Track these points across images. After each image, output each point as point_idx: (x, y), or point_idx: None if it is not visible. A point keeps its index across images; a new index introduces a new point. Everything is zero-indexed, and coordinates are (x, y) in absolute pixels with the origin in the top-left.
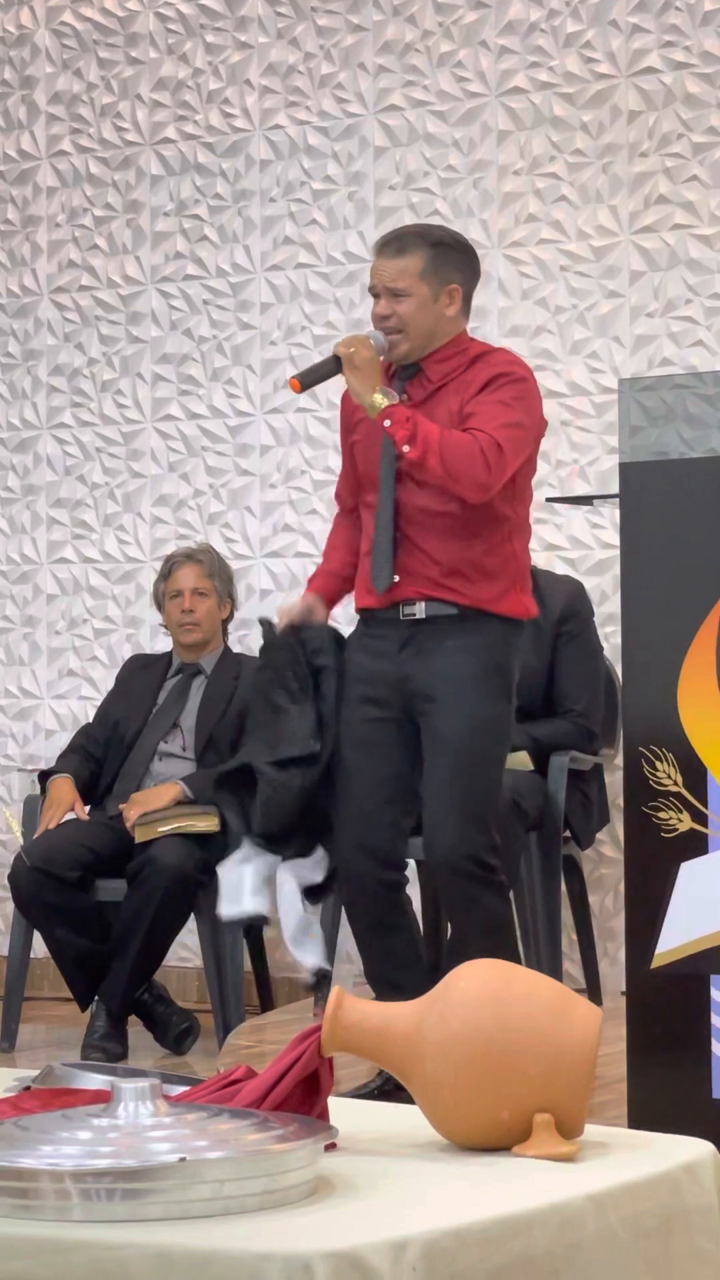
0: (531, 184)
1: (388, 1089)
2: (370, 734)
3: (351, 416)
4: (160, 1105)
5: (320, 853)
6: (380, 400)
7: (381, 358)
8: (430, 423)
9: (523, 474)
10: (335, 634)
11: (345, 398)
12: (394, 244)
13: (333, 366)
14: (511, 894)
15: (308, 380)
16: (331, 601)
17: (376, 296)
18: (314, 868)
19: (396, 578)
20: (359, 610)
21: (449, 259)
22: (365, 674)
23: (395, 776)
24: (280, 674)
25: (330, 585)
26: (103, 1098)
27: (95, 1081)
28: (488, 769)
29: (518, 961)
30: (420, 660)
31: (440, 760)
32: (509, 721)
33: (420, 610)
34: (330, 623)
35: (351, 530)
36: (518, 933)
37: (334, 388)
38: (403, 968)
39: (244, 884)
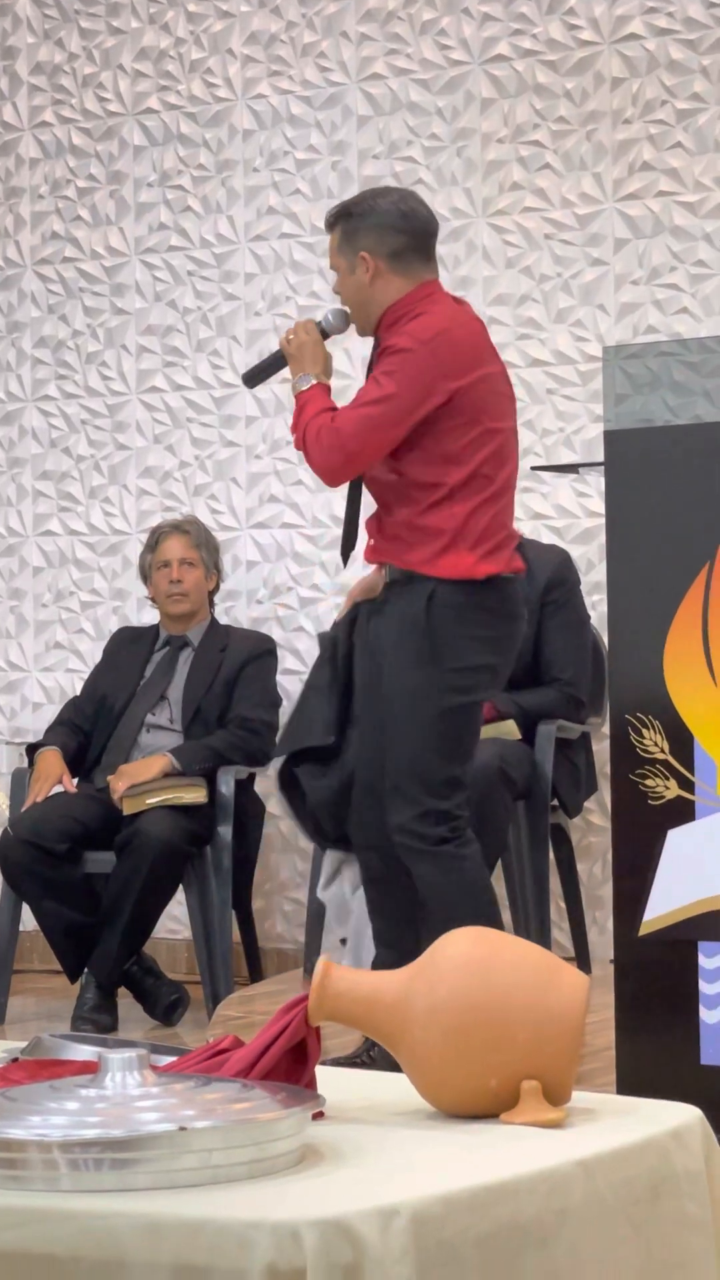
0: (515, 152)
1: (374, 1057)
2: (362, 701)
3: None
4: (148, 1075)
5: None
6: (295, 385)
7: (338, 333)
8: (317, 408)
9: (452, 440)
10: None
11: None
12: (326, 223)
13: (277, 356)
14: (500, 863)
15: (251, 377)
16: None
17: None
18: None
19: (369, 542)
20: None
21: (357, 227)
22: (363, 636)
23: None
24: (324, 660)
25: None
26: (90, 1069)
27: (83, 1053)
28: (411, 736)
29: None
30: (375, 626)
31: (387, 725)
32: (436, 684)
33: (386, 574)
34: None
35: None
36: (484, 903)
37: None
38: (395, 927)
39: (349, 903)
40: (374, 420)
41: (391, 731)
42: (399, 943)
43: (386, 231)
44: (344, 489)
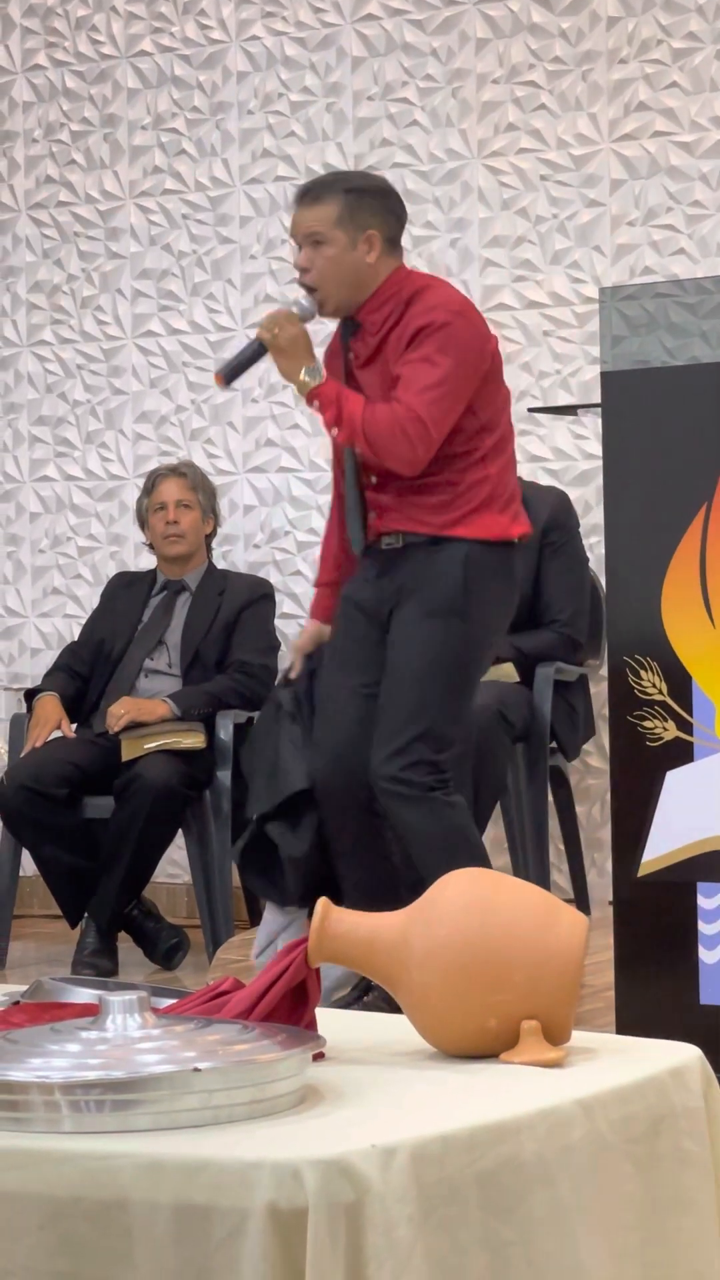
0: (510, 92)
1: (368, 999)
2: (349, 651)
3: (330, 361)
4: (148, 1017)
5: None
6: (306, 383)
7: (312, 320)
8: (355, 399)
9: (487, 408)
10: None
11: (327, 357)
12: (310, 193)
13: (257, 351)
14: (499, 805)
15: (231, 373)
16: (329, 618)
17: (298, 248)
18: None
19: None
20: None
21: (364, 204)
22: (353, 601)
23: (360, 693)
24: (285, 716)
25: (330, 601)
26: (91, 1011)
27: (84, 996)
28: (419, 685)
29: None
30: (391, 582)
31: (385, 682)
32: (455, 639)
33: (398, 540)
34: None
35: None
36: (475, 846)
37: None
38: (381, 891)
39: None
40: (444, 402)
41: (396, 679)
42: (369, 883)
43: (389, 215)
44: (350, 471)
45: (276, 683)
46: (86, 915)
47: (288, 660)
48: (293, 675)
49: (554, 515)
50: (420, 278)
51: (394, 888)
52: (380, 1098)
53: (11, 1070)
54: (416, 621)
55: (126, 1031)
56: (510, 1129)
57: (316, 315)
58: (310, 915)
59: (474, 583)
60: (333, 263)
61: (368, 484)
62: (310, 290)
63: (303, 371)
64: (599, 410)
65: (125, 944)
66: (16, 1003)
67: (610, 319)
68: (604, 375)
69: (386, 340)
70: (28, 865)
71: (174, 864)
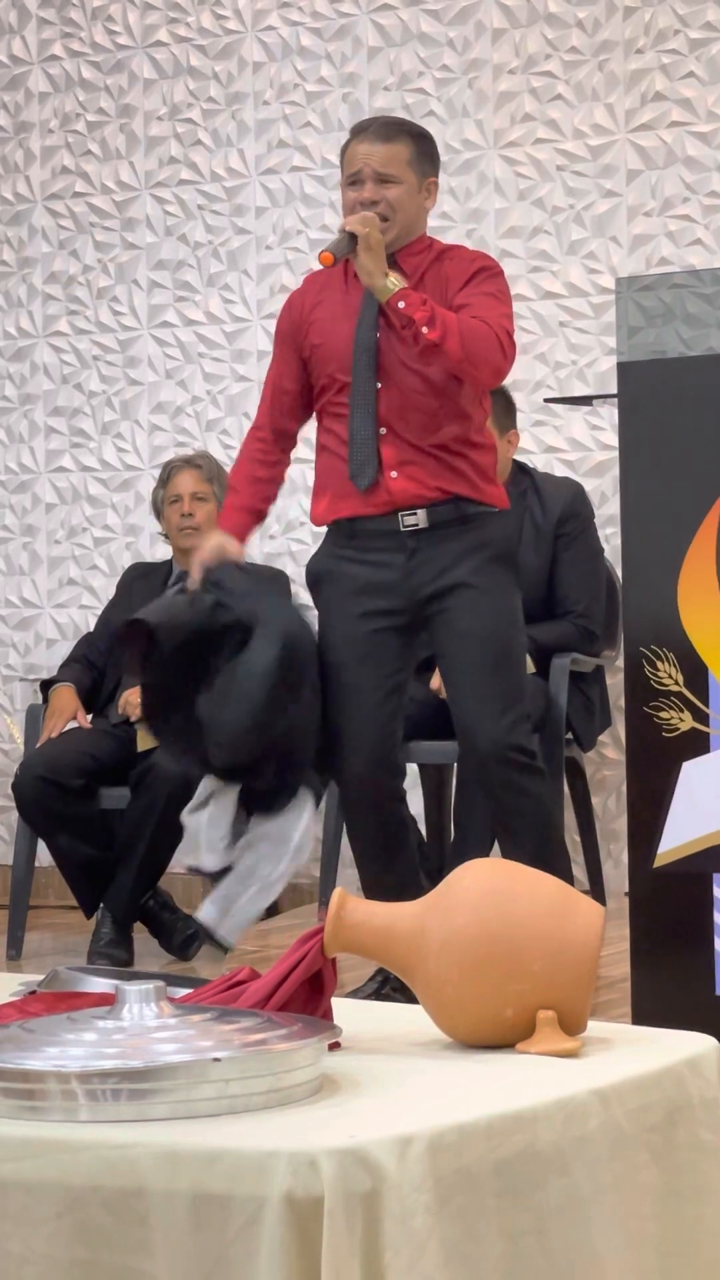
0: (527, 83)
1: (385, 991)
2: (373, 647)
3: (306, 316)
4: (164, 1007)
5: (300, 804)
6: (394, 282)
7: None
8: (446, 310)
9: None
10: (278, 573)
11: (291, 302)
12: (378, 130)
13: (350, 244)
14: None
15: (338, 252)
16: (243, 539)
17: (357, 183)
18: (292, 822)
19: (390, 474)
20: (334, 521)
21: (430, 153)
22: (365, 585)
23: (396, 686)
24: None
25: (247, 522)
26: (107, 1000)
27: (100, 985)
28: (518, 657)
29: (564, 850)
30: (431, 565)
31: (469, 656)
32: (522, 614)
33: (421, 519)
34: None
35: (277, 461)
36: (560, 824)
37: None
38: (402, 886)
39: (200, 835)
40: (512, 331)
41: (493, 651)
42: (391, 879)
43: (438, 170)
44: (366, 406)
45: (172, 591)
46: (102, 906)
47: None
48: (189, 588)
49: (569, 506)
50: (442, 242)
51: (415, 881)
52: (396, 1087)
53: (28, 1059)
54: (493, 602)
55: (143, 1021)
56: (527, 1119)
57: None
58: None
59: (512, 550)
60: (404, 200)
61: (380, 437)
62: (381, 218)
63: (390, 274)
64: (615, 401)
65: (141, 934)
66: (33, 992)
67: (626, 309)
68: (620, 366)
69: (421, 282)
70: (44, 856)
71: None
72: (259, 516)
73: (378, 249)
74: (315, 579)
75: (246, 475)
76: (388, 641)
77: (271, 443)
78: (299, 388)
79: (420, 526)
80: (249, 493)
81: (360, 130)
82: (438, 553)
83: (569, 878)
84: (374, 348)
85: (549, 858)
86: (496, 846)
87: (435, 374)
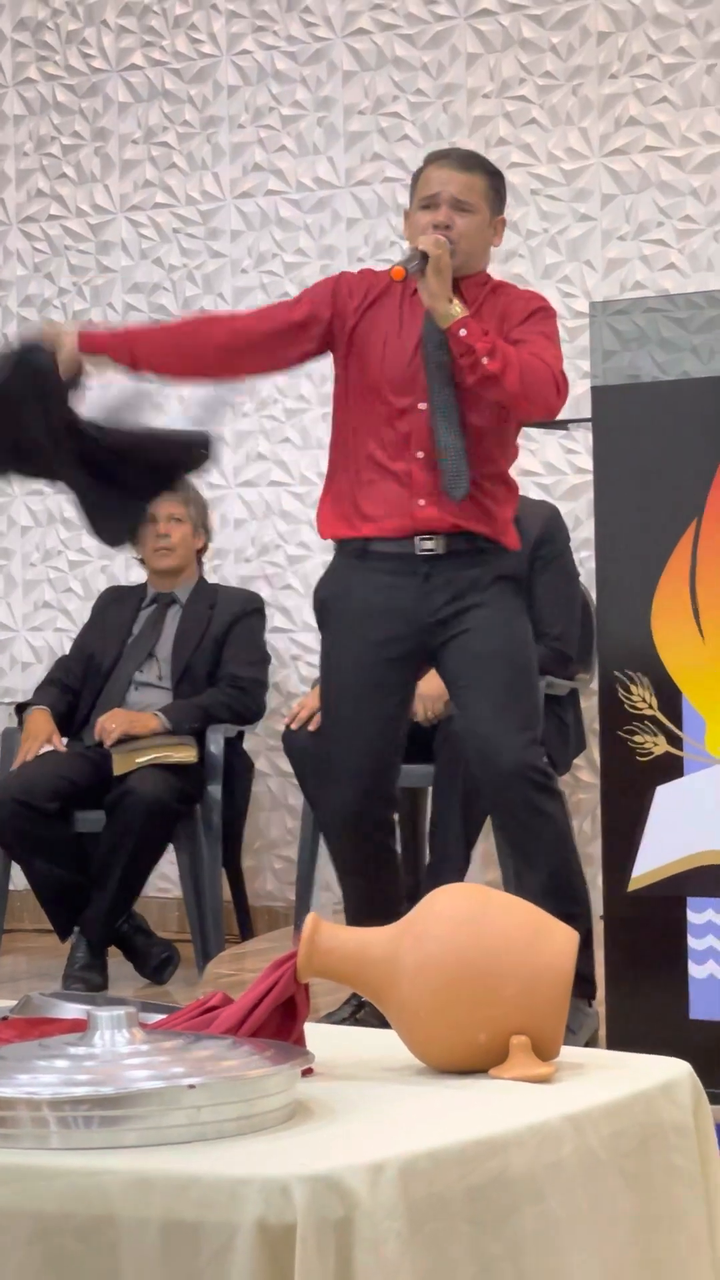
0: (501, 107)
1: (360, 1015)
2: (380, 673)
3: (355, 305)
4: (136, 1033)
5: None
6: (457, 309)
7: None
8: (507, 344)
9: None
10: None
11: (345, 280)
12: (458, 159)
13: (422, 262)
14: (491, 820)
15: (410, 268)
16: (98, 351)
17: (432, 206)
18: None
19: (418, 501)
20: (348, 540)
21: (501, 192)
22: (377, 610)
23: (397, 716)
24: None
25: (106, 345)
26: (80, 1027)
27: (73, 1011)
28: (533, 681)
29: (581, 872)
30: (446, 589)
31: (489, 677)
32: (533, 637)
33: (439, 546)
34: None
35: (213, 336)
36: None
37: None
38: (384, 913)
39: None
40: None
41: (509, 670)
42: (376, 909)
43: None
44: (451, 418)
45: None
46: (77, 930)
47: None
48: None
49: (545, 529)
50: (500, 280)
51: (397, 909)
52: (369, 1113)
53: (0, 1087)
54: (503, 624)
55: (115, 1047)
56: (499, 1144)
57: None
58: None
59: (522, 582)
60: (474, 230)
61: (414, 458)
62: (451, 243)
63: (453, 301)
64: (590, 425)
65: (115, 958)
66: (5, 1018)
67: (601, 333)
68: (594, 390)
69: (479, 314)
70: (18, 879)
71: (164, 878)
72: (133, 345)
73: (446, 272)
74: (324, 602)
75: (186, 320)
76: (396, 669)
77: (232, 330)
78: (297, 326)
79: (437, 552)
80: (145, 339)
81: (440, 156)
82: (453, 577)
83: (587, 900)
84: (447, 366)
85: (567, 878)
86: (471, 869)
87: (478, 412)
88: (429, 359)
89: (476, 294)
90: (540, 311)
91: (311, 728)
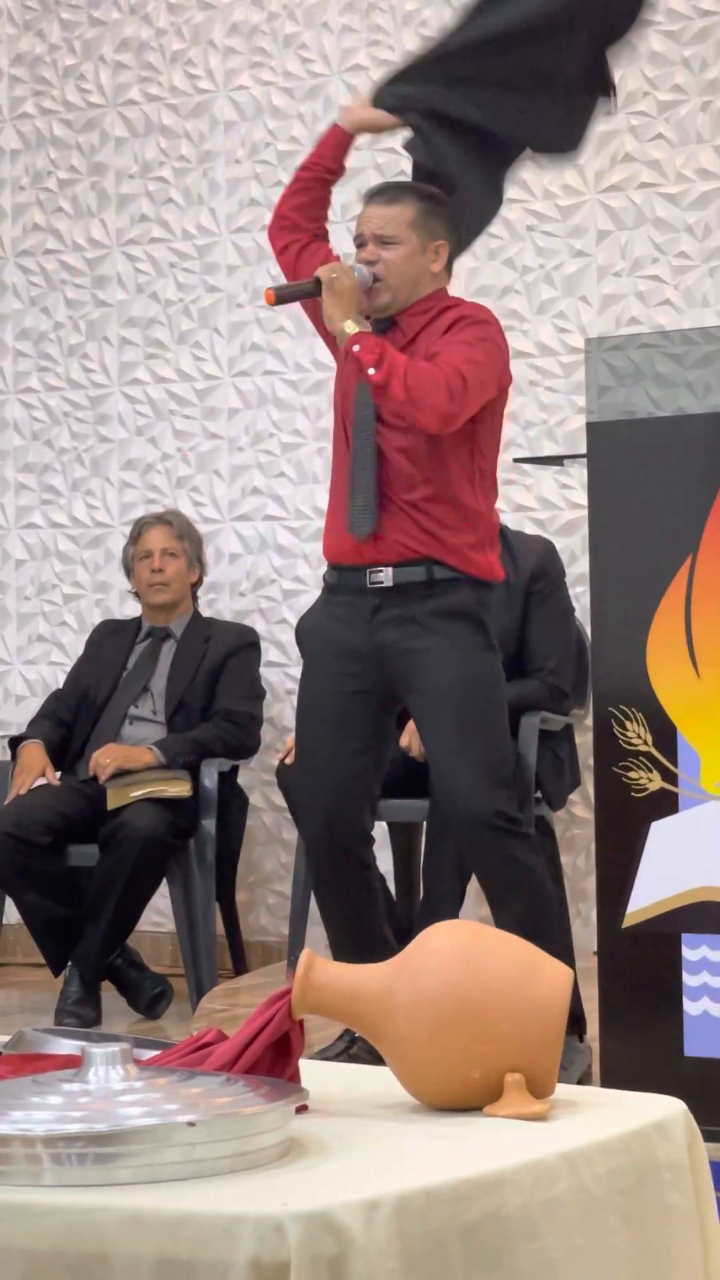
0: None
1: (354, 1051)
2: (342, 706)
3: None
4: (131, 1069)
5: None
6: (351, 326)
7: (361, 297)
8: (400, 353)
9: (486, 427)
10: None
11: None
12: (386, 193)
13: (311, 287)
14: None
15: (284, 294)
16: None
17: (361, 245)
18: None
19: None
20: (328, 562)
21: (439, 214)
22: (335, 647)
23: (365, 749)
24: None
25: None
26: (74, 1063)
27: (66, 1046)
28: (494, 720)
29: (562, 913)
30: (395, 627)
31: (443, 721)
32: (500, 672)
33: (388, 578)
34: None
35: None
36: (549, 886)
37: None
38: (368, 950)
39: None
40: (480, 378)
41: (471, 714)
42: (358, 942)
43: (453, 236)
44: (367, 456)
45: None
46: (70, 964)
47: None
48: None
49: (540, 564)
50: (457, 299)
51: (382, 944)
52: (364, 1151)
53: None
54: (461, 662)
55: (109, 1084)
56: (494, 1182)
57: (366, 296)
58: None
59: (483, 614)
60: (401, 262)
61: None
62: (375, 277)
63: (350, 319)
64: (585, 460)
65: (109, 993)
66: None
67: (596, 369)
68: (590, 426)
69: (416, 340)
70: (11, 913)
71: (157, 912)
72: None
73: (343, 294)
74: (299, 634)
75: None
76: (358, 705)
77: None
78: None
79: (385, 585)
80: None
81: (372, 193)
82: (400, 614)
83: (566, 942)
84: (369, 401)
85: (541, 921)
86: (465, 904)
87: (405, 434)
88: (358, 401)
89: (419, 320)
90: (464, 320)
91: None
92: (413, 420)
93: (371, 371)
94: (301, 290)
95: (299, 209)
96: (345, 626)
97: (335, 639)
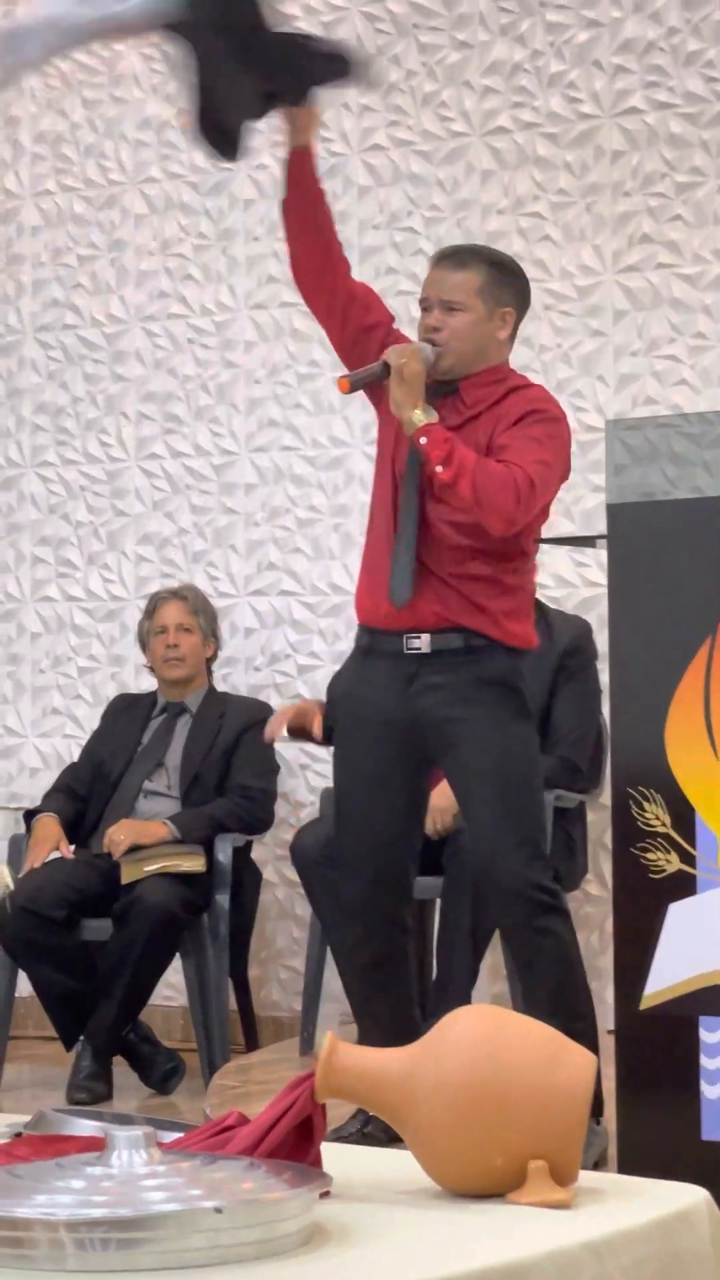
0: (515, 223)
1: (368, 1129)
2: (381, 770)
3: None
4: (154, 1153)
5: None
6: (419, 417)
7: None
8: (467, 448)
9: (539, 522)
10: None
11: (383, 409)
12: (454, 258)
13: (381, 372)
14: (499, 936)
15: (357, 381)
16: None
17: (427, 309)
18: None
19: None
20: (361, 624)
21: (507, 282)
22: (371, 712)
23: (405, 812)
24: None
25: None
26: (96, 1145)
27: (87, 1127)
28: (532, 791)
29: (586, 988)
30: (433, 694)
31: (482, 792)
32: (536, 740)
33: (425, 644)
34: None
35: (333, 243)
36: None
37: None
38: (390, 1018)
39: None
40: (547, 480)
41: (511, 782)
42: (397, 1026)
43: (523, 303)
44: (409, 530)
45: None
46: (82, 1039)
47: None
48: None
49: (576, 641)
50: (523, 378)
51: (409, 1017)
52: (387, 1238)
53: (17, 1206)
54: (498, 732)
55: (132, 1168)
56: (519, 1272)
57: (429, 367)
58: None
59: (520, 682)
60: (466, 328)
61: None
62: (434, 346)
63: (418, 408)
64: (605, 542)
65: (120, 1067)
66: (19, 1134)
67: (614, 449)
68: (610, 508)
69: (479, 417)
70: (23, 986)
71: (169, 986)
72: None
73: (412, 381)
74: (334, 700)
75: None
76: (397, 770)
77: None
78: (353, 309)
79: (423, 651)
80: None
81: (439, 257)
82: (438, 682)
83: (592, 1017)
84: (417, 473)
85: (570, 996)
86: (479, 982)
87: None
88: (408, 470)
89: (485, 394)
90: (534, 414)
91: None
92: (478, 520)
93: (440, 469)
94: (372, 375)
95: (303, 247)
96: (381, 692)
97: (371, 704)
